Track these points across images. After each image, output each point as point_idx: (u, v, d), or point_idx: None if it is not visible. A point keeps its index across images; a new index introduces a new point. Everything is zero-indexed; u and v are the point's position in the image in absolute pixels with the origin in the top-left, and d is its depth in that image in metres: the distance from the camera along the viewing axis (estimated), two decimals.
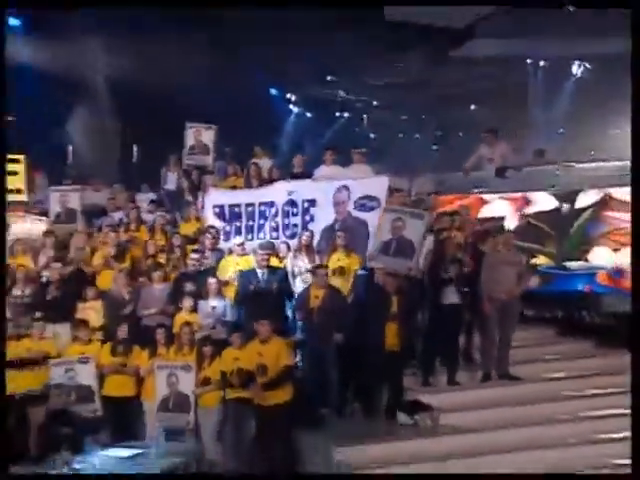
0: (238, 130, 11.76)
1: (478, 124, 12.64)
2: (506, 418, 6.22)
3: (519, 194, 9.04)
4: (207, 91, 13.73)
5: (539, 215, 8.87)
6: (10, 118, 8.93)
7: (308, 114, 18.50)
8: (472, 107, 17.07)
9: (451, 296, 6.68)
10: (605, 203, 8.45)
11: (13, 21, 12.48)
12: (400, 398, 6.34)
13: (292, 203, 8.21)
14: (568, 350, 7.63)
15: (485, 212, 9.20)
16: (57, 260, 7.86)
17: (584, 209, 8.56)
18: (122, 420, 6.49)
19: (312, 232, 7.64)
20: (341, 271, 7.05)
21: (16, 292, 7.34)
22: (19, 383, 6.32)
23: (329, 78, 16.55)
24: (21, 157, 9.44)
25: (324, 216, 8.01)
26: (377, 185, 7.97)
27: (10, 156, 8.67)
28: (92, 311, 7.15)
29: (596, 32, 12.27)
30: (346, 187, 8.00)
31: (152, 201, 9.51)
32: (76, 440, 5.74)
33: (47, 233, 8.45)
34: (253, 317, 6.32)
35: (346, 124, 18.33)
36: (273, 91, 17.69)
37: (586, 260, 8.32)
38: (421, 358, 6.85)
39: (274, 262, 7.30)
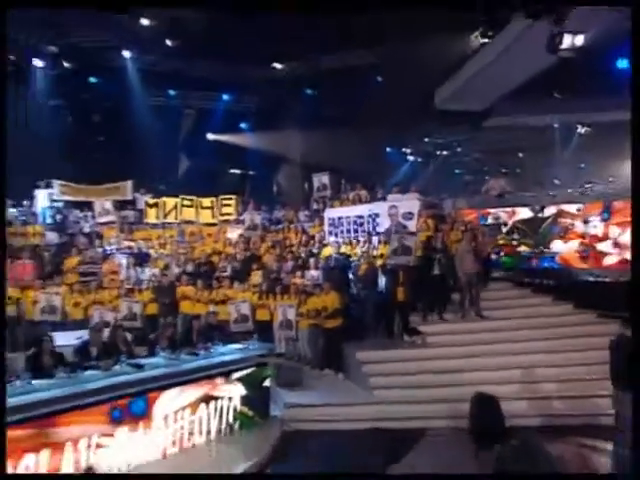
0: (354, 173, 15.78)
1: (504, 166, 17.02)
2: (474, 339, 9.54)
3: (510, 209, 13.94)
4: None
5: (522, 221, 14.04)
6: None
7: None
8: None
9: (436, 270, 10.25)
10: (559, 214, 13.52)
11: None
12: (406, 327, 10.05)
13: (369, 216, 12.46)
14: (534, 302, 10.78)
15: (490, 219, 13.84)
16: (245, 249, 13.23)
17: (548, 217, 13.61)
18: (263, 332, 11.25)
19: (370, 234, 11.83)
20: (381, 256, 11.03)
21: (222, 264, 12.75)
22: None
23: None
24: (233, 196, 15.09)
25: (384, 223, 12.11)
26: (412, 205, 11.87)
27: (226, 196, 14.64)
28: (257, 276, 12.17)
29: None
30: (395, 206, 11.97)
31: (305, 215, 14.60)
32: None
33: (240, 236, 13.90)
34: (326, 279, 10.69)
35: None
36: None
37: (549, 248, 11.87)
38: (422, 304, 10.43)
39: (346, 249, 11.64)
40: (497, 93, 14.62)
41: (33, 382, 5.78)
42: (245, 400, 7.39)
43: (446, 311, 10.41)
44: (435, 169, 20.85)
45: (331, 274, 11.02)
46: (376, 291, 10.46)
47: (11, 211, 14.42)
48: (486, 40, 12.71)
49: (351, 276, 11.16)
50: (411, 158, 21.27)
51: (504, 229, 13.81)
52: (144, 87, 16.58)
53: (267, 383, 7.80)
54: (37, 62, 15.45)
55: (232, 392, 7.25)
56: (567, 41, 9.84)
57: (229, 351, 7.83)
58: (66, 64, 15.70)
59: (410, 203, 12.28)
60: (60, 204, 15.24)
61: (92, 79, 16.94)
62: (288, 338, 10.74)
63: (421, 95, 15.70)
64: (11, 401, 4.99)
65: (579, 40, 10.01)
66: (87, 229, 14.84)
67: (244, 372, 7.46)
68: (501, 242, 13.68)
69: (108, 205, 15.19)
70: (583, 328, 9.52)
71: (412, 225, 11.63)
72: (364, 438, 7.24)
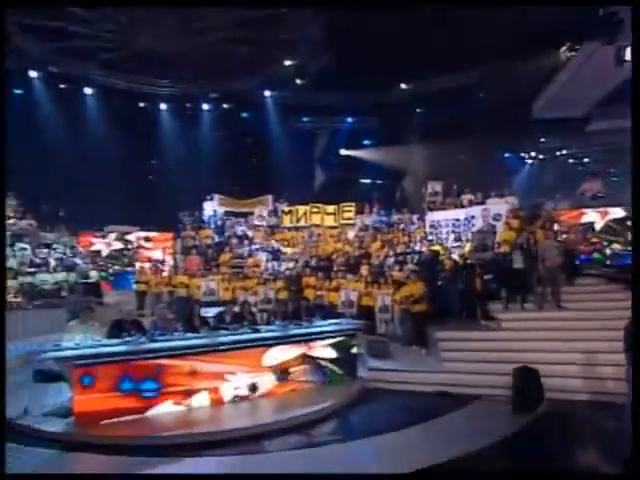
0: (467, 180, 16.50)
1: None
2: (545, 326, 10.13)
3: (603, 209, 13.14)
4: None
5: (615, 220, 13.46)
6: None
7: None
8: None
9: (517, 264, 10.96)
10: None
11: None
12: (483, 313, 10.95)
13: (466, 219, 13.41)
14: (619, 297, 10.54)
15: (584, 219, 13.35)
16: (359, 247, 14.95)
17: None
18: (371, 317, 12.71)
19: (459, 235, 12.81)
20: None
21: (339, 259, 14.58)
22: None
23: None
24: (352, 204, 16.86)
25: (479, 224, 12.98)
26: (501, 208, 12.58)
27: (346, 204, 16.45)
28: (364, 269, 13.79)
29: None
30: (487, 209, 12.80)
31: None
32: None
33: (356, 236, 15.63)
34: (413, 272, 11.99)
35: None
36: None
37: None
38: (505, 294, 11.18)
39: (437, 247, 12.80)
40: (592, 99, 14.51)
41: (187, 334, 8.13)
42: (335, 361, 9.08)
43: (528, 302, 11.06)
44: (544, 172, 20.66)
45: (420, 268, 12.27)
46: (457, 282, 11.50)
47: (186, 219, 17.87)
48: (573, 53, 12.95)
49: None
50: (528, 162, 21.25)
51: (597, 227, 13.76)
52: (281, 116, 19.11)
53: (354, 350, 9.41)
54: (204, 105, 18.80)
55: (325, 354, 9.00)
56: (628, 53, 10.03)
57: (326, 324, 9.58)
58: (225, 105, 18.87)
59: (499, 206, 13.08)
60: (220, 213, 18.34)
61: (243, 114, 19.99)
62: (385, 320, 12.21)
63: (520, 106, 16.04)
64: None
65: None
66: (239, 232, 17.70)
67: (335, 340, 9.16)
68: (594, 240, 13.73)
69: (257, 213, 18.01)
70: None
71: (500, 225, 12.45)
72: (428, 399, 8.51)
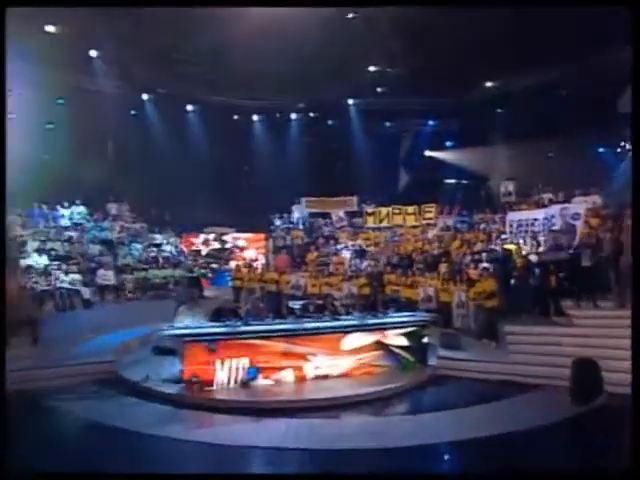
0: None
1: None
2: (614, 323, 10.30)
3: None
4: None
5: None
6: None
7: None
8: None
9: (585, 262, 11.32)
10: None
11: None
12: (556, 309, 11.41)
13: (545, 218, 13.81)
14: None
15: None
16: (439, 246, 15.78)
17: None
18: (448, 312, 13.54)
19: (535, 234, 13.29)
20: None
21: (418, 257, 15.51)
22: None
23: None
24: (433, 204, 17.70)
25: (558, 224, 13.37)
26: (579, 207, 12.89)
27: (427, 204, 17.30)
28: (443, 267, 14.59)
29: None
30: (566, 208, 13.17)
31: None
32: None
33: (436, 236, 16.47)
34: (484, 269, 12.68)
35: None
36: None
37: None
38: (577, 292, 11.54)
39: (511, 246, 13.35)
40: None
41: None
42: (407, 349, 10.13)
43: (604, 299, 11.31)
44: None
45: (493, 265, 12.91)
46: (529, 279, 12.04)
47: (277, 221, 19.68)
48: None
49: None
50: (617, 159, 20.59)
51: None
52: (365, 122, 20.35)
53: (425, 340, 10.40)
54: (292, 115, 20.55)
55: (398, 342, 10.08)
56: None
57: (400, 316, 10.66)
58: (311, 114, 20.48)
59: (577, 205, 13.36)
60: (306, 214, 19.91)
61: (329, 121, 21.45)
62: (461, 314, 12.98)
63: (606, 101, 15.98)
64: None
65: None
66: (326, 233, 19.15)
67: (408, 329, 10.22)
68: None
69: (342, 214, 19.39)
70: None
71: (579, 224, 12.74)
72: (491, 386, 9.30)
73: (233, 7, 13.17)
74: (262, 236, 19.97)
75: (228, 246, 19.83)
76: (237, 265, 17.02)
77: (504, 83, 18.76)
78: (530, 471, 5.77)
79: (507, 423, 7.31)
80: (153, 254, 17.15)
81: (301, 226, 19.80)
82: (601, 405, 8.06)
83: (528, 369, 9.66)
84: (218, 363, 8.65)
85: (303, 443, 6.65)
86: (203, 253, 19.50)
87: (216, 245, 19.75)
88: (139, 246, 17.38)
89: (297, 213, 20.19)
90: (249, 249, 19.89)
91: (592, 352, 9.41)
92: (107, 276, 14.51)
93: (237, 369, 8.75)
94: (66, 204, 17.33)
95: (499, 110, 19.69)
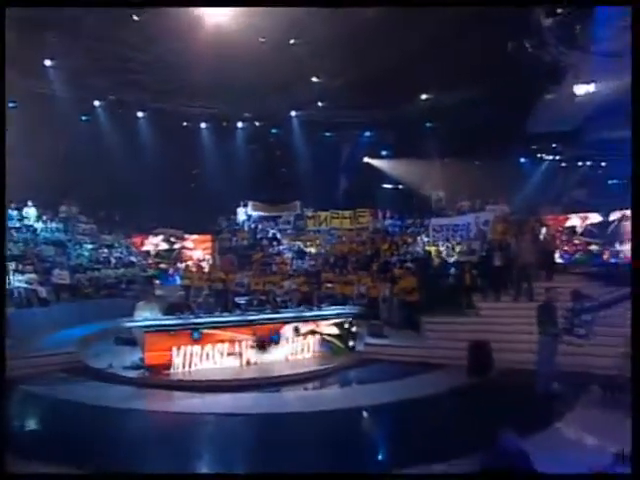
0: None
1: None
2: (514, 314, 12.53)
3: (583, 214, 15.02)
4: None
5: (593, 225, 14.70)
6: None
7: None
8: None
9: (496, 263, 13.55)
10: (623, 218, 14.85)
11: None
12: (469, 303, 13.55)
13: (463, 224, 16.09)
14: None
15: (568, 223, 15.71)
16: (371, 248, 17.74)
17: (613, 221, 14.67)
18: (376, 306, 15.56)
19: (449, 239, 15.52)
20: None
21: (352, 258, 17.43)
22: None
23: None
24: (366, 210, 19.70)
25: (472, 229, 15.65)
26: (489, 215, 15.21)
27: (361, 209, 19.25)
28: (374, 266, 16.57)
29: None
30: (478, 216, 15.49)
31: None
32: None
33: (368, 239, 18.44)
34: (406, 268, 14.74)
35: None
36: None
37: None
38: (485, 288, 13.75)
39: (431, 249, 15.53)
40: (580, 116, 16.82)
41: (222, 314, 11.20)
42: (338, 337, 11.97)
43: (506, 294, 13.57)
44: (541, 182, 22.79)
45: (415, 265, 15.02)
46: (446, 277, 14.20)
47: (223, 223, 21.11)
48: None
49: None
50: (527, 172, 23.41)
51: (579, 231, 16.04)
52: (307, 131, 22.14)
53: (354, 329, 12.27)
54: (239, 124, 22.09)
55: (329, 331, 11.89)
56: None
57: (333, 309, 12.49)
58: (257, 123, 22.08)
59: (488, 214, 15.68)
60: (253, 217, 21.50)
61: (273, 130, 23.10)
62: (387, 307, 14.97)
63: (520, 121, 18.43)
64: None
65: None
66: (270, 234, 20.80)
67: (338, 320, 12.05)
68: (576, 242, 16.12)
69: (286, 218, 21.09)
70: None
71: (489, 230, 15.04)
72: (409, 366, 11.26)
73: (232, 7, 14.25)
74: (209, 237, 21.32)
75: (176, 247, 21.04)
76: (187, 265, 18.36)
77: (435, 98, 20.88)
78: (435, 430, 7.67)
79: (413, 392, 9.26)
80: (105, 255, 18.21)
81: (246, 228, 21.35)
82: (492, 378, 10.14)
83: (440, 352, 11.68)
84: (174, 350, 10.14)
85: (246, 410, 8.33)
86: (152, 253, 20.64)
87: (165, 246, 20.93)
88: (90, 247, 18.38)
89: (243, 216, 21.72)
90: (197, 250, 21.20)
91: (493, 337, 11.52)
92: (62, 275, 15.53)
93: (191, 355, 10.28)
94: (17, 205, 18.03)
95: (430, 124, 21.87)
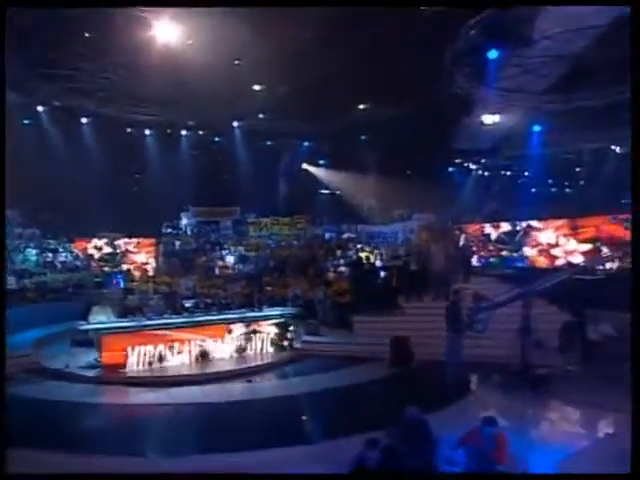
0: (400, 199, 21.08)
1: None
2: (433, 312, 14.57)
3: (496, 223, 17.37)
4: None
5: (504, 233, 17.16)
6: None
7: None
8: None
9: (419, 265, 15.45)
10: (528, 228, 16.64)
11: None
12: (395, 304, 15.39)
13: (392, 232, 17.95)
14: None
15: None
16: (308, 252, 19.31)
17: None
18: (312, 307, 17.17)
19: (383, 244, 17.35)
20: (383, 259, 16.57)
21: (292, 262, 18.91)
22: None
23: None
24: (303, 216, 21.29)
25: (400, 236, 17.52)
26: (414, 224, 17.17)
27: (298, 216, 20.80)
28: (310, 270, 18.13)
29: None
30: (405, 225, 17.41)
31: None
32: None
33: (306, 244, 20.02)
34: (339, 272, 16.43)
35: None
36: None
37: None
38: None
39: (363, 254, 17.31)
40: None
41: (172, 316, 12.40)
42: (277, 335, 13.44)
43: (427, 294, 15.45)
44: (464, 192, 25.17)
45: (347, 269, 16.72)
46: (375, 280, 15.98)
47: (168, 230, 22.03)
48: None
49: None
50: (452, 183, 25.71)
51: (493, 238, 18.35)
52: (248, 140, 23.46)
53: (292, 328, 13.78)
54: (182, 131, 23.10)
55: (270, 330, 13.35)
56: None
57: (273, 310, 13.94)
58: (200, 132, 23.18)
59: (413, 223, 17.63)
60: (195, 222, 22.54)
61: (216, 138, 24.26)
62: (322, 308, 16.52)
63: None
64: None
65: None
66: (212, 239, 21.92)
67: (277, 320, 13.53)
68: (491, 248, 18.39)
69: (228, 223, 22.27)
70: None
71: (414, 238, 16.98)
72: (340, 360, 12.87)
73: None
74: (152, 241, 22.13)
75: (120, 251, 21.74)
76: (130, 269, 19.23)
77: (369, 112, 22.62)
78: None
79: (343, 382, 10.89)
80: (49, 259, 18.78)
81: (189, 232, 22.37)
82: (412, 368, 11.91)
83: (368, 348, 13.37)
84: (129, 350, 11.27)
85: (197, 400, 9.68)
86: (96, 257, 21.25)
87: (108, 250, 21.59)
88: (34, 251, 18.88)
89: (186, 220, 22.72)
90: (140, 254, 21.98)
91: (416, 333, 13.28)
92: (8, 281, 16.07)
93: (145, 354, 11.44)
94: None
95: (364, 136, 23.67)
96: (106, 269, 20.59)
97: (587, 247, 16.28)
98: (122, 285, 18.58)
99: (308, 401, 9.98)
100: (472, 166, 23.99)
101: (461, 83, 14.54)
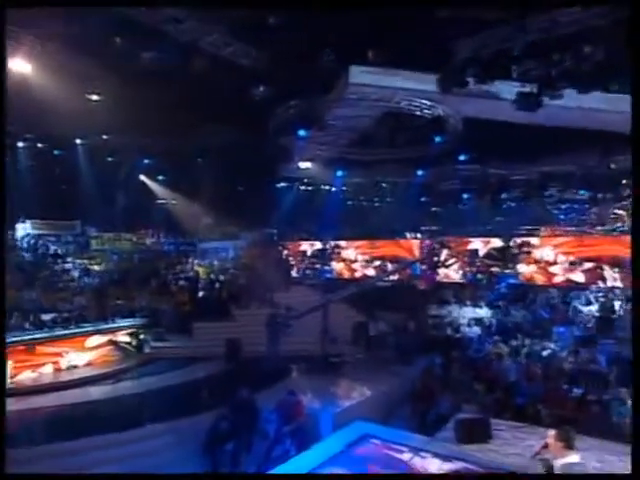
0: None
1: None
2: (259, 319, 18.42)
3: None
4: None
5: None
6: None
7: None
8: None
9: (247, 279, 19.25)
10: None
11: None
12: (228, 311, 18.93)
13: (223, 248, 21.44)
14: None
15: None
16: (151, 267, 21.91)
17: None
18: (159, 316, 19.93)
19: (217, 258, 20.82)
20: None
21: (135, 276, 21.37)
22: None
23: None
24: (143, 231, 23.78)
25: (231, 252, 21.09)
26: (245, 242, 20.91)
27: (141, 231, 23.24)
28: (153, 282, 20.84)
29: None
30: (235, 242, 21.04)
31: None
32: None
33: (147, 259, 22.62)
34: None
35: None
36: None
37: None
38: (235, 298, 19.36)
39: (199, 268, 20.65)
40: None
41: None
42: (129, 343, 16.19)
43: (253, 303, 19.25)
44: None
45: (187, 282, 19.89)
46: (211, 292, 19.42)
47: None
48: None
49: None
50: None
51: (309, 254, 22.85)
52: (89, 156, 24.95)
53: (142, 337, 16.60)
54: (19, 143, 23.75)
55: (123, 339, 16.06)
56: None
57: (124, 321, 16.63)
58: (39, 145, 24.18)
59: (243, 240, 21.35)
60: (32, 234, 23.51)
61: (55, 152, 25.23)
62: (168, 318, 19.40)
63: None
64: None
65: None
66: (51, 251, 23.19)
67: (130, 330, 16.28)
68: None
69: (66, 237, 23.68)
70: None
71: (242, 254, 20.71)
72: (182, 361, 16.06)
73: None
74: None
75: None
76: None
77: (205, 135, 25.51)
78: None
79: (184, 378, 14.24)
80: None
81: (26, 244, 23.30)
82: (242, 363, 15.58)
83: (207, 349, 16.72)
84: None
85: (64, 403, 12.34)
86: None
87: None
88: None
89: (21, 232, 23.55)
90: None
91: (246, 335, 16.82)
92: None
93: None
94: None
95: (200, 158, 26.52)
96: None
97: (378, 263, 21.60)
98: None
99: (162, 393, 13.15)
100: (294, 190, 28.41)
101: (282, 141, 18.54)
